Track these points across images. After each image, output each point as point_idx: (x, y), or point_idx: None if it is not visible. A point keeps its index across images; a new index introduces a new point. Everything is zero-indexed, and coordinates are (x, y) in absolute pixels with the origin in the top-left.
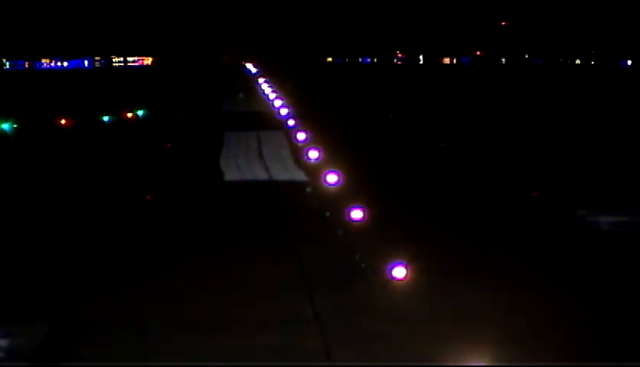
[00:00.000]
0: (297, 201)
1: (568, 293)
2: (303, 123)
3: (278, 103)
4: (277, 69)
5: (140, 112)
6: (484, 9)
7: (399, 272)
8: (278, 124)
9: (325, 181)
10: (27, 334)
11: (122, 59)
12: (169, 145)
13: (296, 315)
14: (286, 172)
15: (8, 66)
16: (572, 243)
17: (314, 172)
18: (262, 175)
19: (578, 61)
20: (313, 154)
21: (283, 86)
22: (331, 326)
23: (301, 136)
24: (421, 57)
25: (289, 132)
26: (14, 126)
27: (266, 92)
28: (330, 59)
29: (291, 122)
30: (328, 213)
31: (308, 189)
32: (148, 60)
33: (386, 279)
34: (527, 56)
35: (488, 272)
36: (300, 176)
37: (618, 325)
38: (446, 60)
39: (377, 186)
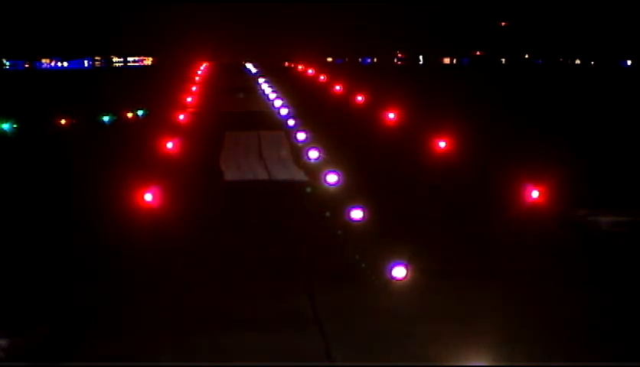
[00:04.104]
0: (297, 201)
1: (567, 294)
2: (303, 123)
3: (278, 103)
4: (277, 70)
5: (140, 112)
6: (484, 9)
7: (399, 272)
8: (278, 124)
9: (325, 181)
10: (27, 334)
11: (122, 59)
12: (169, 145)
13: (296, 315)
14: (286, 172)
15: (8, 66)
16: (571, 243)
17: (314, 172)
18: (262, 175)
19: (578, 61)
20: (313, 154)
21: (283, 86)
22: (331, 327)
23: (301, 136)
24: (421, 57)
25: (289, 132)
26: (14, 126)
27: (266, 92)
28: (330, 59)
29: (291, 122)
30: (328, 213)
31: (308, 189)
32: (148, 60)
33: (386, 279)
34: (527, 57)
35: (487, 272)
36: (300, 176)
37: (617, 325)
38: (446, 60)
39: (378, 187)
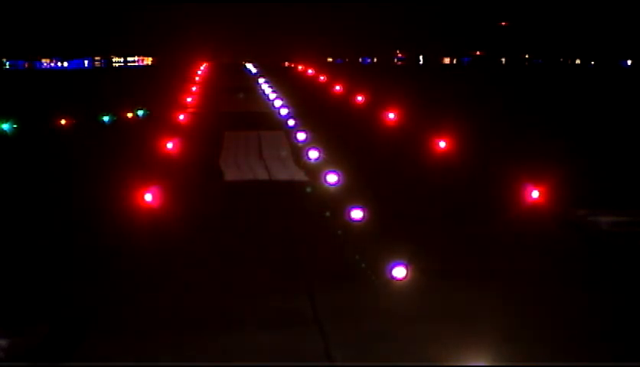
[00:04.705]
0: (297, 201)
1: (567, 294)
2: (303, 123)
3: (278, 103)
4: (277, 70)
5: (140, 112)
6: (484, 9)
7: (399, 272)
8: (278, 124)
9: (325, 181)
10: (27, 334)
11: (122, 59)
12: (169, 145)
13: (296, 315)
14: (286, 172)
15: (8, 66)
16: (571, 243)
17: (314, 172)
18: (262, 175)
19: (578, 61)
20: (313, 154)
21: (283, 86)
22: (331, 327)
23: (301, 136)
24: (421, 57)
25: (289, 132)
26: (15, 126)
27: (266, 92)
28: (330, 59)
29: (291, 122)
30: (328, 213)
31: (308, 189)
32: (148, 60)
33: (386, 279)
34: (527, 56)
35: (487, 272)
36: (300, 176)
37: (617, 325)
38: (446, 60)
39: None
